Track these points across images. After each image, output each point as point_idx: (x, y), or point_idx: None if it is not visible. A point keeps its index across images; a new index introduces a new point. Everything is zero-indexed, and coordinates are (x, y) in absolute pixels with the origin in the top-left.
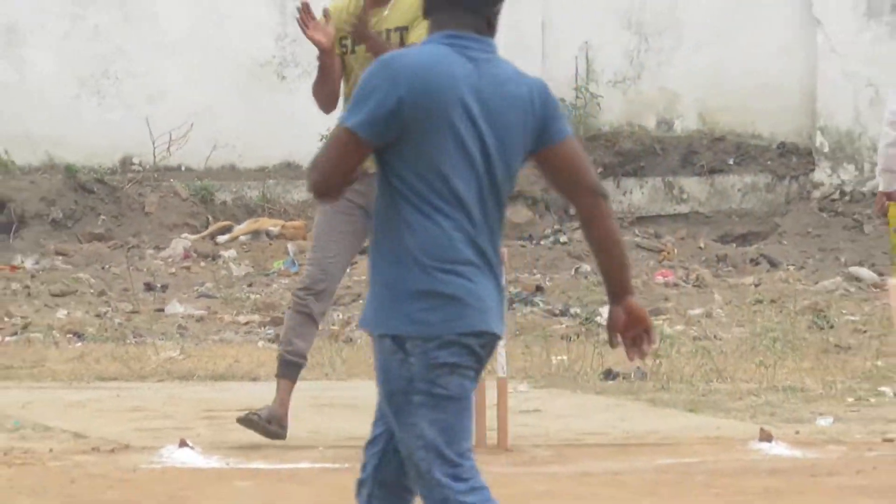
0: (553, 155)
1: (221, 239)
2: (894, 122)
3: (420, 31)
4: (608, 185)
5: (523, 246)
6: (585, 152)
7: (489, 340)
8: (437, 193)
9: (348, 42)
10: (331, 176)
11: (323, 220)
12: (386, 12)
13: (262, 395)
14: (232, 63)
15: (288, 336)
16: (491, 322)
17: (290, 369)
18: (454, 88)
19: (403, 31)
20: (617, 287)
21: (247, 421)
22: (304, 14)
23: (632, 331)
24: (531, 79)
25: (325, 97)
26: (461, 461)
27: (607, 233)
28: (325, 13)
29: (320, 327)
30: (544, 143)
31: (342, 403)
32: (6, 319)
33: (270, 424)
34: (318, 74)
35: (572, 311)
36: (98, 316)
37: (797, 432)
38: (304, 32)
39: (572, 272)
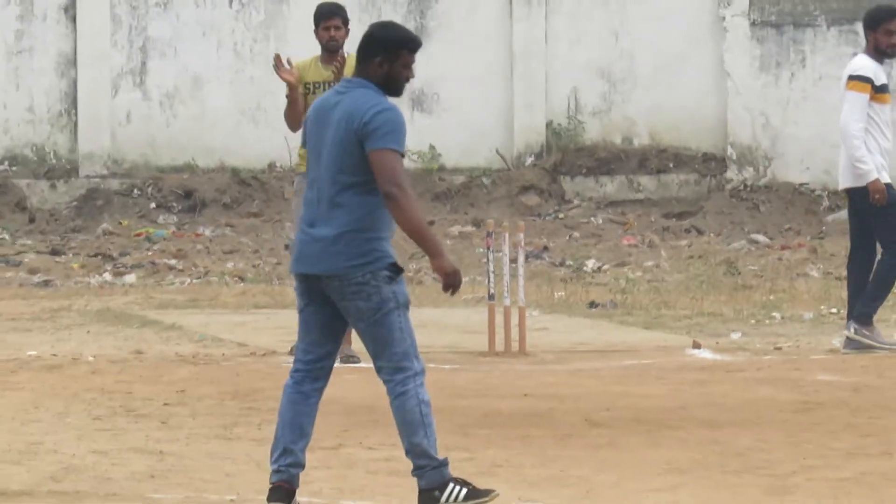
0: (370, 158)
1: None
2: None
3: None
4: (590, 183)
5: (534, 220)
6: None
7: (309, 278)
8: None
9: (311, 85)
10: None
11: (297, 201)
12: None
13: None
14: None
15: None
16: (303, 266)
17: None
18: (320, 110)
19: None
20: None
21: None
22: (278, 61)
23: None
24: (370, 104)
25: (291, 120)
26: (297, 357)
27: (398, 218)
28: (289, 61)
29: None
30: (366, 147)
31: (416, 324)
32: (193, 268)
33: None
34: (288, 104)
35: (567, 262)
36: (254, 266)
37: (717, 343)
38: (277, 73)
39: (567, 237)
